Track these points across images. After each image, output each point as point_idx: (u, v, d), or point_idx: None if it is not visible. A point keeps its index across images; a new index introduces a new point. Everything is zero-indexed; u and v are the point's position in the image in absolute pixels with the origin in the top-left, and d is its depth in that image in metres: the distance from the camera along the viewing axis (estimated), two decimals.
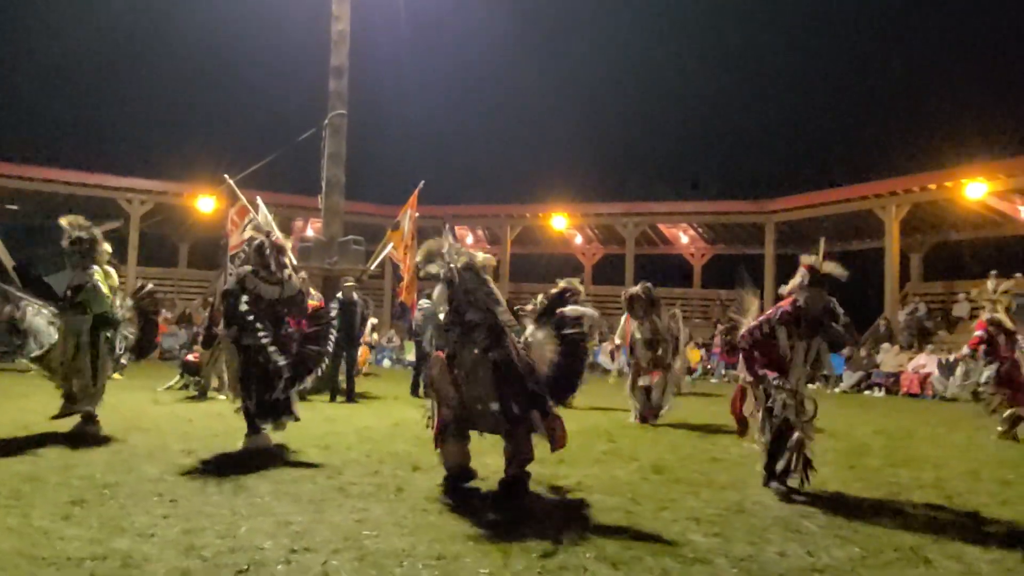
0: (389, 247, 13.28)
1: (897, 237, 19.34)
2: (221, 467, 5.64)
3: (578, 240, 27.25)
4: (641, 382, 9.45)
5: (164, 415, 8.65)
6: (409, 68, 31.57)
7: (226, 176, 12.54)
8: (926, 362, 15.95)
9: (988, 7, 32.38)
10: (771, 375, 5.39)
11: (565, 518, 4.53)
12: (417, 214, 13.60)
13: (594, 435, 8.08)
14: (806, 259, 5.50)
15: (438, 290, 5.28)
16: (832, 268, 5.41)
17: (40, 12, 30.96)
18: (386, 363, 20.67)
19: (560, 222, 24.65)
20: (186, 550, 3.66)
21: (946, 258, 22.50)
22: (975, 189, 17.58)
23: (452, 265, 5.18)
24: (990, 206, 19.24)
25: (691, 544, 4.08)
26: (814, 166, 30.63)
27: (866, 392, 16.43)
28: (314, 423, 8.27)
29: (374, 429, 8.00)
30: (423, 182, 13.52)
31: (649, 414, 9.31)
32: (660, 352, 9.51)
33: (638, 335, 9.61)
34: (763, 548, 4.06)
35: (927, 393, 15.53)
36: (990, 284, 9.52)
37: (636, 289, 9.77)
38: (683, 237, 26.13)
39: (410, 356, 16.89)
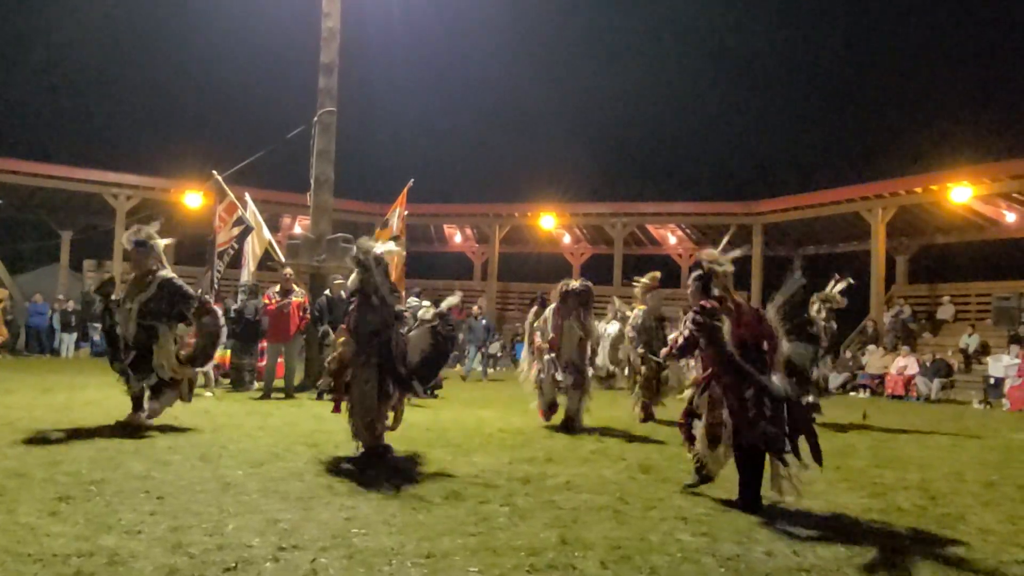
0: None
1: (883, 239, 19.49)
2: (208, 464, 5.62)
3: (566, 240, 27.27)
4: (559, 376, 8.54)
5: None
6: (399, 66, 31.54)
7: (214, 172, 12.48)
8: (907, 363, 16.09)
9: (974, 13, 32.68)
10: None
11: (554, 517, 4.54)
12: (406, 212, 13.60)
13: (582, 435, 8.09)
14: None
15: (353, 276, 6.32)
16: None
17: (28, 7, 30.69)
18: None
19: (549, 221, 24.67)
20: (173, 547, 3.64)
21: (931, 261, 22.71)
22: (960, 193, 17.75)
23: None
24: (975, 210, 19.43)
25: (679, 543, 4.10)
26: (802, 168, 30.85)
27: (851, 393, 16.55)
28: (302, 421, 8.25)
29: None
30: (412, 180, 13.52)
31: (550, 414, 8.67)
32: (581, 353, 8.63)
33: (565, 334, 8.60)
34: (750, 548, 4.09)
35: (911, 395, 15.66)
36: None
37: (576, 284, 8.74)
38: (671, 238, 26.22)
39: None
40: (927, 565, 3.94)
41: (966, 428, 10.50)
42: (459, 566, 3.59)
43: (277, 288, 11.37)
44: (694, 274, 5.51)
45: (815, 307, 9.97)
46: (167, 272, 7.40)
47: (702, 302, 5.24)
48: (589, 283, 8.87)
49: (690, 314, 5.31)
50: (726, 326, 5.00)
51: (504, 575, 3.49)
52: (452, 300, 6.88)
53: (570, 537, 4.09)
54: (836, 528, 4.58)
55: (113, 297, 7.43)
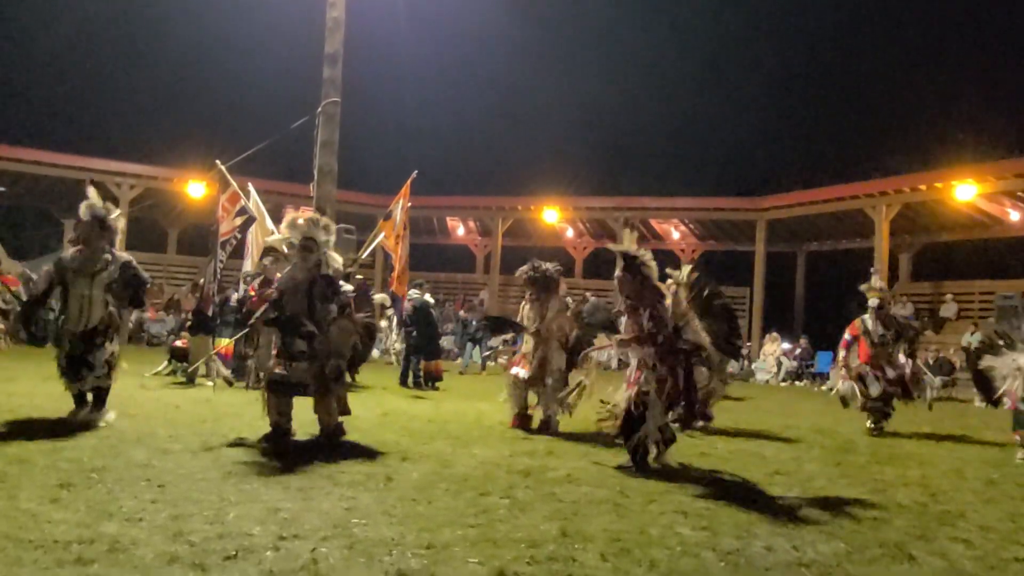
0: (381, 237, 13.25)
1: (887, 237, 19.45)
2: (209, 453, 5.63)
3: (569, 234, 27.25)
4: (514, 370, 7.99)
5: (152, 401, 8.60)
6: (404, 58, 31.51)
7: (217, 162, 12.44)
8: (904, 361, 16.04)
9: (981, 10, 32.55)
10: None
11: (554, 509, 4.54)
12: (409, 204, 13.57)
13: (583, 428, 8.09)
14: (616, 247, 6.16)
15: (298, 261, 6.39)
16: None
17: None
18: (375, 353, 20.65)
19: (552, 215, 24.65)
20: (174, 535, 3.65)
21: (935, 259, 22.68)
22: (964, 191, 17.71)
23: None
24: (979, 208, 19.38)
25: (679, 537, 4.10)
26: (806, 165, 30.77)
27: None
28: (303, 411, 8.24)
29: (363, 418, 7.99)
30: (416, 172, 13.48)
31: (522, 421, 7.81)
32: (541, 346, 7.86)
33: (526, 323, 8.10)
34: (750, 542, 4.09)
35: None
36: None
37: (524, 267, 8.18)
38: (674, 233, 26.19)
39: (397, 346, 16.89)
40: (927, 562, 3.94)
41: (967, 426, 10.49)
42: (459, 557, 3.59)
43: (260, 279, 11.32)
44: (647, 264, 6.03)
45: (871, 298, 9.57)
46: (125, 254, 6.93)
47: (660, 290, 6.08)
48: (539, 263, 8.16)
49: (657, 303, 5.95)
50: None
51: (504, 566, 3.49)
52: (380, 297, 7.16)
53: (570, 530, 4.09)
54: (836, 524, 4.58)
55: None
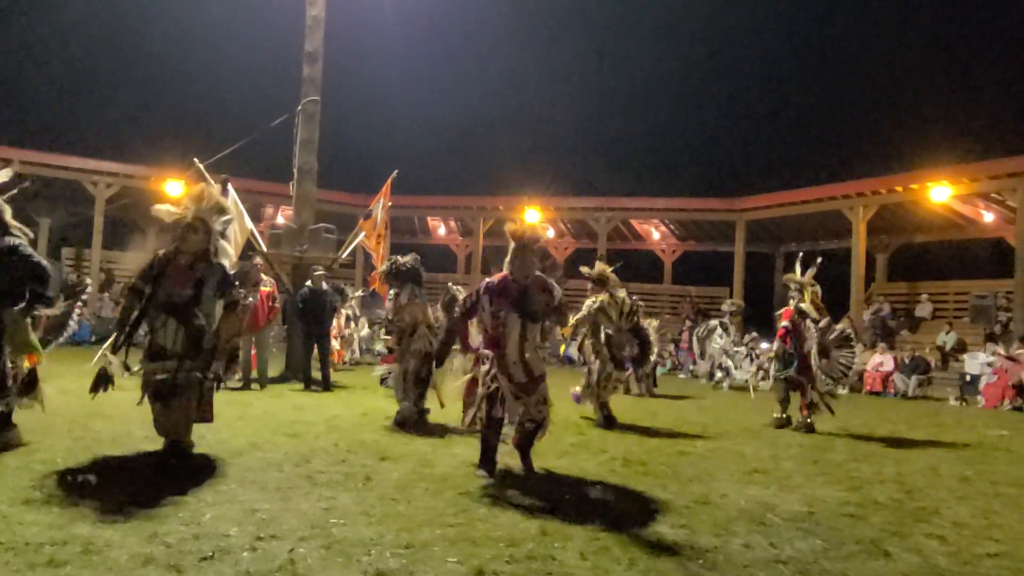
0: (361, 236, 13.19)
1: (864, 238, 19.65)
2: (186, 454, 5.56)
3: (551, 234, 27.26)
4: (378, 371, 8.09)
5: (128, 401, 8.46)
6: (385, 56, 31.38)
7: (195, 160, 12.35)
8: (883, 360, 16.25)
9: (957, 13, 33.02)
10: (485, 349, 5.46)
11: (533, 508, 4.54)
12: (390, 204, 13.53)
13: (563, 427, 8.09)
14: (510, 226, 5.56)
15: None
16: (533, 234, 5.59)
17: None
18: (357, 353, 20.52)
19: (533, 215, 24.65)
20: (149, 537, 3.61)
21: (910, 259, 22.93)
22: (940, 192, 17.92)
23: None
24: (954, 209, 19.64)
25: (658, 535, 4.12)
26: (784, 166, 31.04)
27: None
28: (282, 411, 8.20)
29: (342, 418, 7.95)
30: (396, 171, 13.44)
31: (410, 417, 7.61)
32: (402, 340, 7.83)
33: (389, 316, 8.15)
34: (728, 540, 4.11)
35: (889, 391, 15.83)
36: (798, 273, 9.46)
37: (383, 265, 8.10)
38: (655, 233, 26.30)
39: (379, 347, 16.81)
40: (902, 558, 3.98)
41: (942, 424, 10.63)
42: (438, 556, 3.58)
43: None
44: (538, 245, 5.62)
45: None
46: (14, 238, 5.37)
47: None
48: (396, 257, 8.03)
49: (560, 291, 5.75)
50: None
51: (483, 565, 3.48)
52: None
53: (550, 528, 4.10)
54: (813, 521, 4.62)
55: None
